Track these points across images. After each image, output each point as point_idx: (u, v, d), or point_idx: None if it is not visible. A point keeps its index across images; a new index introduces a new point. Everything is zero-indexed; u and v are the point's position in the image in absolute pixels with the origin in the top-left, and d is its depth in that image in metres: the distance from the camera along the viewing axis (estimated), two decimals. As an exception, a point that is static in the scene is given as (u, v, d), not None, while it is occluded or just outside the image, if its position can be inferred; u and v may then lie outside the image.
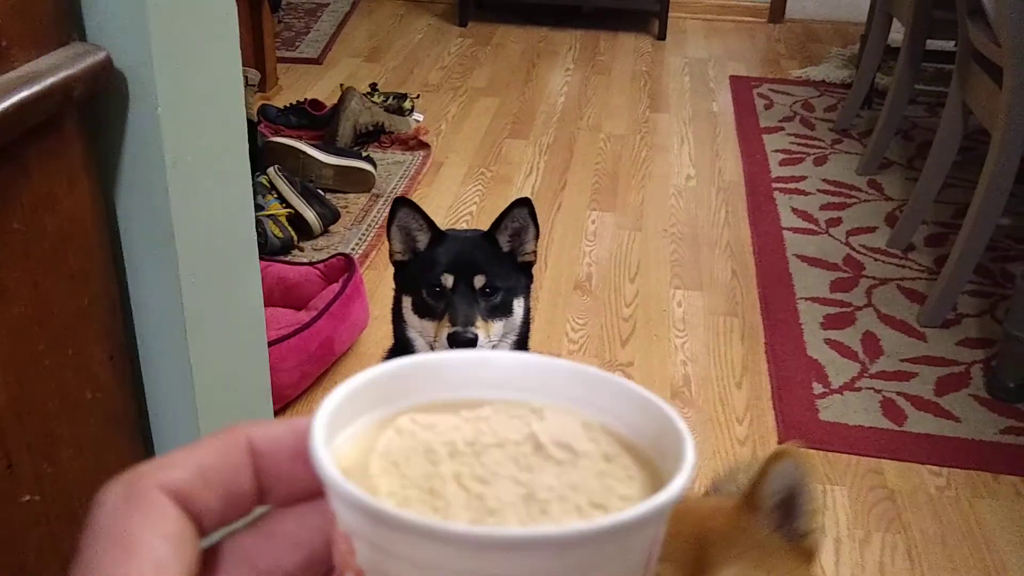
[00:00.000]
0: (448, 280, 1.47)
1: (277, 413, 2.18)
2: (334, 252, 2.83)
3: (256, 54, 3.87)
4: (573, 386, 0.32)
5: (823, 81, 4.43)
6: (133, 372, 0.87)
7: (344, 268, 2.41)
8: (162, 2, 0.75)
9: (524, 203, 1.51)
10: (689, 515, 0.91)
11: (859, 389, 2.37)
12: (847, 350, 2.51)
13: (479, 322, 1.43)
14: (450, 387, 0.32)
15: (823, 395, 2.34)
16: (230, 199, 0.88)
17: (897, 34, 3.73)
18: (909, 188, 3.39)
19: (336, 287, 2.34)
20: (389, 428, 0.30)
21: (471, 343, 1.40)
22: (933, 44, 3.42)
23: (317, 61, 4.45)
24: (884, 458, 2.16)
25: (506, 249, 1.53)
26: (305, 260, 2.78)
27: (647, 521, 0.26)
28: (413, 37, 4.83)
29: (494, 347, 1.45)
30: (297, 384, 2.17)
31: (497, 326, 1.48)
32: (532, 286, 1.61)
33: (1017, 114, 2.33)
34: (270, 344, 2.12)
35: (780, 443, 2.18)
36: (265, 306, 2.50)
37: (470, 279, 1.47)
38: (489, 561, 0.25)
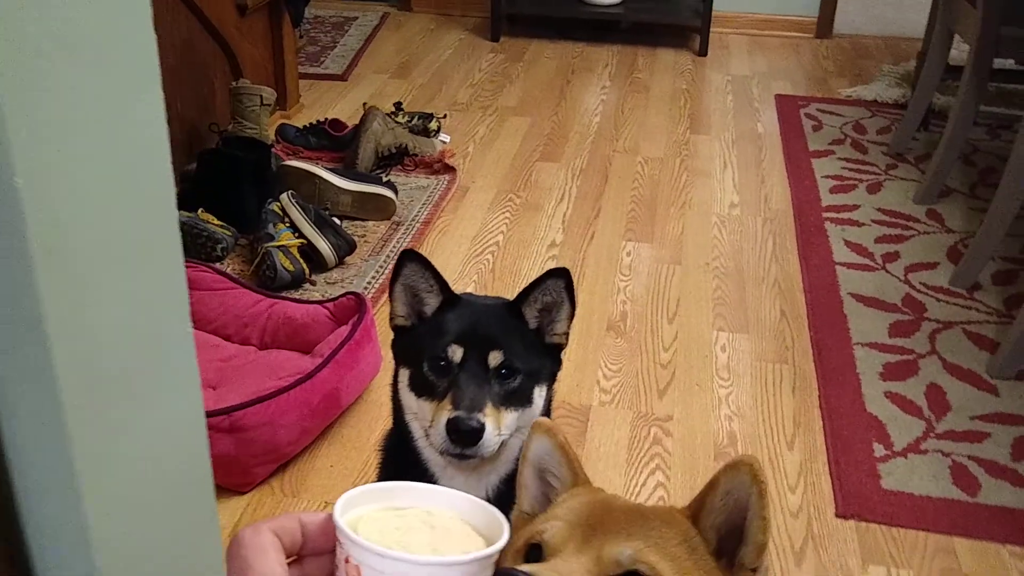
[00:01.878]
0: (456, 353, 1.21)
1: (274, 472, 1.97)
2: (349, 286, 2.63)
3: (276, 70, 3.70)
4: (454, 501, 0.62)
5: (875, 101, 4.17)
6: (11, 555, 0.64)
7: (355, 309, 2.21)
8: (15, 28, 0.53)
9: (561, 275, 1.25)
10: (631, 505, 0.82)
11: (925, 452, 2.12)
12: (910, 405, 2.26)
13: (488, 409, 1.16)
14: (395, 500, 0.61)
15: (885, 458, 2.09)
16: (148, 296, 0.66)
17: (957, 51, 3.48)
18: (972, 219, 3.13)
19: (346, 330, 2.13)
20: (367, 516, 0.59)
21: (474, 435, 1.13)
22: (997, 62, 3.16)
23: (342, 78, 4.26)
24: (956, 535, 1.91)
25: (533, 325, 1.27)
26: (317, 295, 2.58)
27: (490, 556, 0.57)
28: (443, 53, 4.63)
29: (504, 443, 1.20)
30: (297, 441, 1.97)
31: (510, 417, 1.20)
32: (559, 374, 1.34)
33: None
34: (269, 397, 1.92)
35: (838, 515, 1.94)
36: (270, 348, 2.31)
37: (484, 355, 1.21)
38: (425, 571, 0.55)
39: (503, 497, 1.23)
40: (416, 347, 1.25)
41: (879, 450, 2.11)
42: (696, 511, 0.78)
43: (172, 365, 0.83)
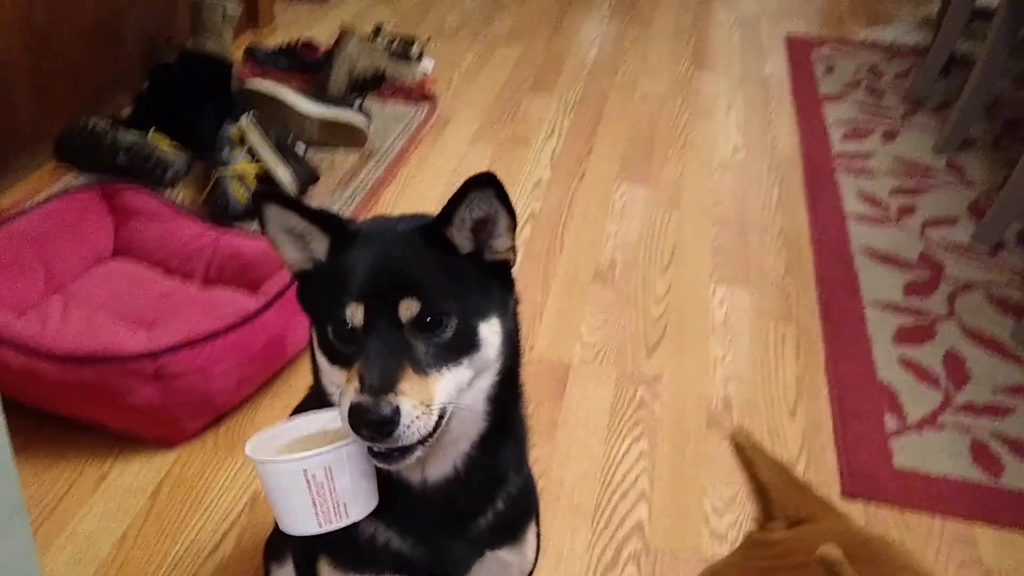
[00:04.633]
0: (356, 314, 0.90)
1: (208, 426, 1.74)
2: (310, 220, 2.37)
3: (248, -15, 3.40)
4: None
5: (893, 44, 3.89)
6: None
7: (309, 244, 1.95)
8: None
9: (487, 183, 0.91)
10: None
11: (942, 426, 1.89)
12: (926, 373, 2.03)
13: (406, 383, 0.86)
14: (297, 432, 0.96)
15: (898, 432, 1.86)
16: None
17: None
18: (995, 172, 2.89)
19: (298, 267, 1.88)
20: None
21: (384, 426, 0.84)
22: None
23: (322, -2, 3.96)
24: (977, 521, 1.69)
25: (468, 248, 0.96)
26: (274, 228, 2.32)
27: (333, 449, 0.88)
28: (432, -24, 4.32)
29: (442, 415, 0.89)
30: (234, 391, 1.73)
31: (448, 379, 0.90)
32: (515, 302, 1.00)
33: None
34: (202, 340, 1.67)
35: (844, 494, 1.72)
36: (215, 284, 2.07)
37: (392, 309, 0.89)
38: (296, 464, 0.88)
39: (476, 467, 0.99)
40: (316, 302, 0.96)
41: (891, 423, 1.89)
42: None
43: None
